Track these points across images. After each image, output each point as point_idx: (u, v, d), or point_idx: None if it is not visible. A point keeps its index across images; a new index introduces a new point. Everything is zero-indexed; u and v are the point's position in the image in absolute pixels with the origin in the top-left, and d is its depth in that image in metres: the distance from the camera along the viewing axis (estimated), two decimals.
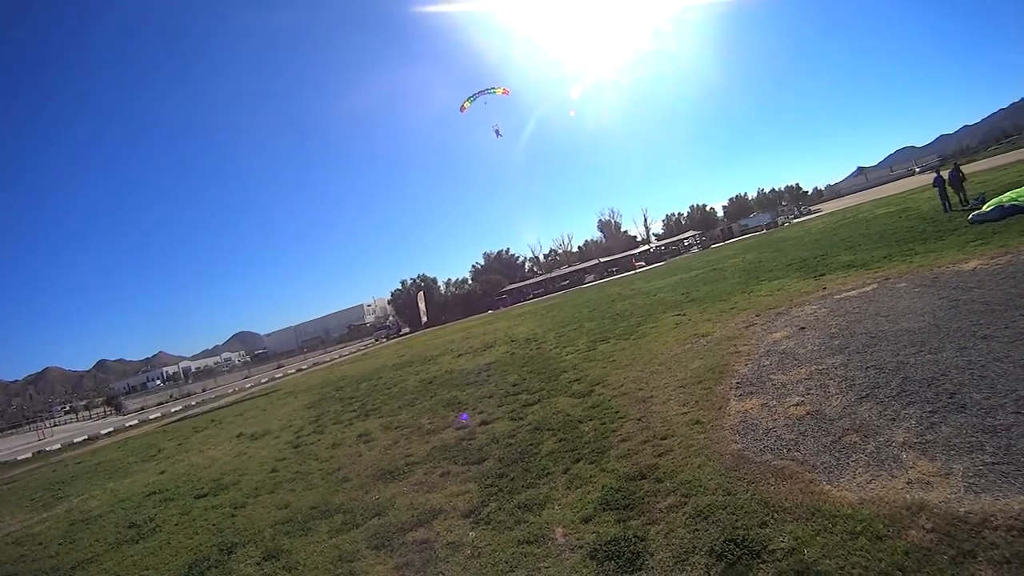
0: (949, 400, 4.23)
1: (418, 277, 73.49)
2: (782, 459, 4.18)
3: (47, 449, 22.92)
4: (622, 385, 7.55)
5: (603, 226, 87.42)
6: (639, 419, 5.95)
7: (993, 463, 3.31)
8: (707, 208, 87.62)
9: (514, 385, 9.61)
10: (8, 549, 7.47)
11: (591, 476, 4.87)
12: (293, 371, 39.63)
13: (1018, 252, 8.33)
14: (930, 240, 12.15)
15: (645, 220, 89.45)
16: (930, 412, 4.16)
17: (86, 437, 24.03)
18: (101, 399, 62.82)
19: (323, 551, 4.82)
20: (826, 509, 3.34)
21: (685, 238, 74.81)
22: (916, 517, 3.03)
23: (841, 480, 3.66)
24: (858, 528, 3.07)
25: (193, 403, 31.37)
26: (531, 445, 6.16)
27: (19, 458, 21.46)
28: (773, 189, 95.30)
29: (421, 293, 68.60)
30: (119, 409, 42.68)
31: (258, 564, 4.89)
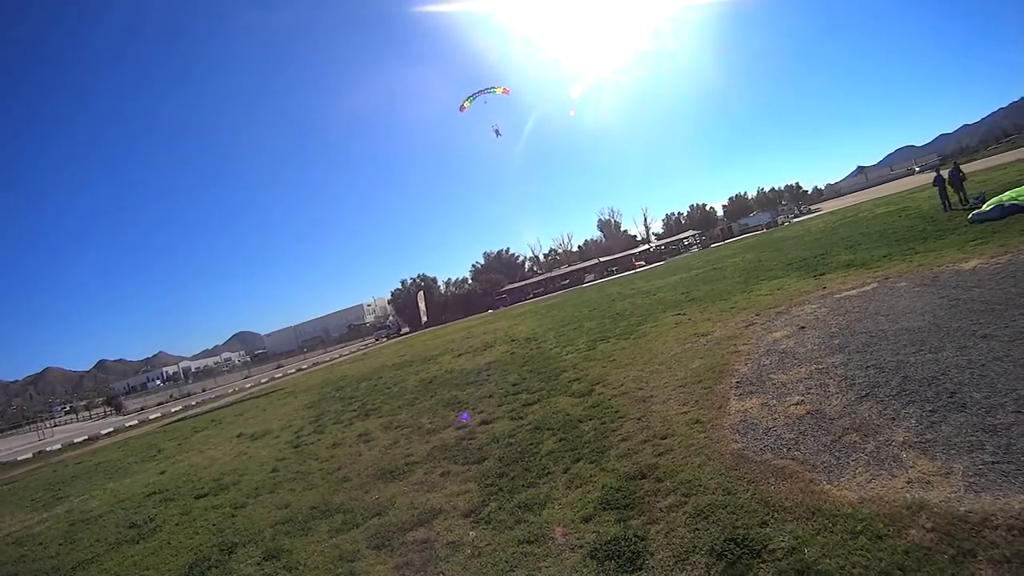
0: (949, 399, 4.23)
1: (418, 277, 73.57)
2: (782, 458, 4.18)
3: (47, 449, 22.93)
4: (622, 384, 7.55)
5: (603, 225, 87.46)
6: (639, 418, 5.96)
7: (993, 462, 3.31)
8: (707, 207, 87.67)
9: (514, 385, 9.61)
10: (9, 549, 7.47)
11: (591, 475, 4.87)
12: (293, 371, 39.64)
13: (1018, 251, 8.32)
14: (930, 239, 12.14)
15: (645, 219, 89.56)
16: (930, 411, 4.16)
17: (86, 437, 24.04)
18: (101, 399, 62.83)
19: (323, 551, 4.82)
20: (826, 508, 3.34)
21: (685, 237, 74.79)
22: (916, 516, 3.03)
23: (841, 479, 3.66)
24: (858, 527, 3.07)
25: (193, 403, 31.38)
26: (531, 444, 6.16)
27: (19, 458, 21.46)
28: (773, 188, 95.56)
29: (421, 293, 68.61)
30: (119, 409, 42.69)
31: (258, 564, 4.89)
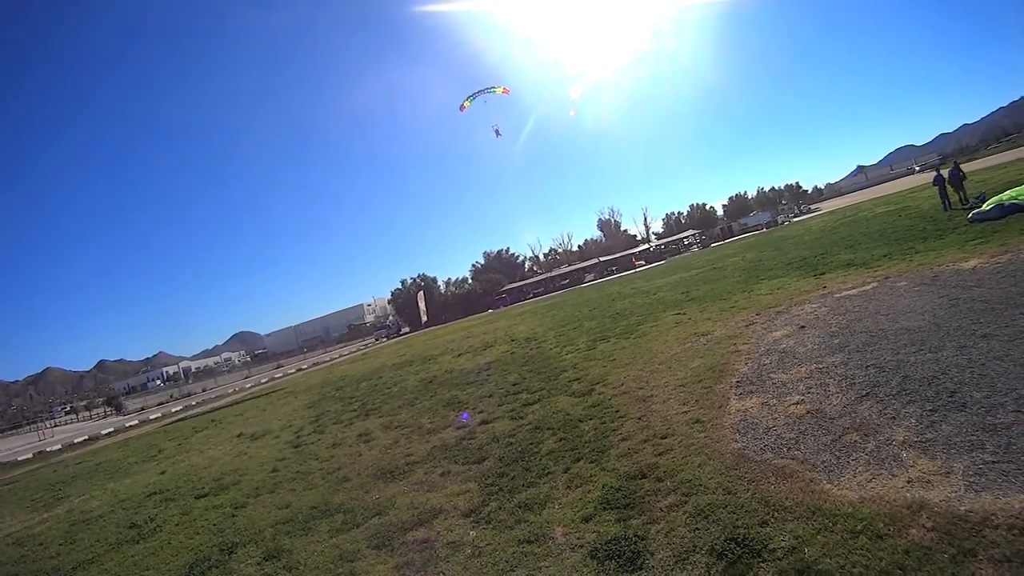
0: (949, 399, 4.23)
1: (418, 276, 73.56)
2: (782, 458, 4.18)
3: (47, 449, 22.94)
4: (622, 384, 7.55)
5: (603, 225, 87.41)
6: (639, 418, 5.96)
7: (993, 462, 3.31)
8: (707, 207, 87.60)
9: (514, 384, 9.61)
10: (9, 549, 7.48)
11: (591, 475, 4.87)
12: (293, 371, 39.65)
13: (1018, 251, 8.32)
14: (930, 239, 12.14)
15: (645, 219, 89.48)
16: (930, 411, 4.16)
17: (86, 437, 24.06)
18: (101, 399, 62.84)
19: (324, 551, 4.82)
20: (826, 508, 3.34)
21: (685, 237, 74.79)
22: (917, 516, 3.03)
23: (841, 479, 3.66)
24: (859, 527, 3.07)
25: (193, 403, 31.39)
26: (531, 444, 6.16)
27: (20, 459, 21.47)
28: (773, 188, 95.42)
29: (421, 293, 68.60)
30: (119, 409, 42.71)
31: (259, 564, 4.89)
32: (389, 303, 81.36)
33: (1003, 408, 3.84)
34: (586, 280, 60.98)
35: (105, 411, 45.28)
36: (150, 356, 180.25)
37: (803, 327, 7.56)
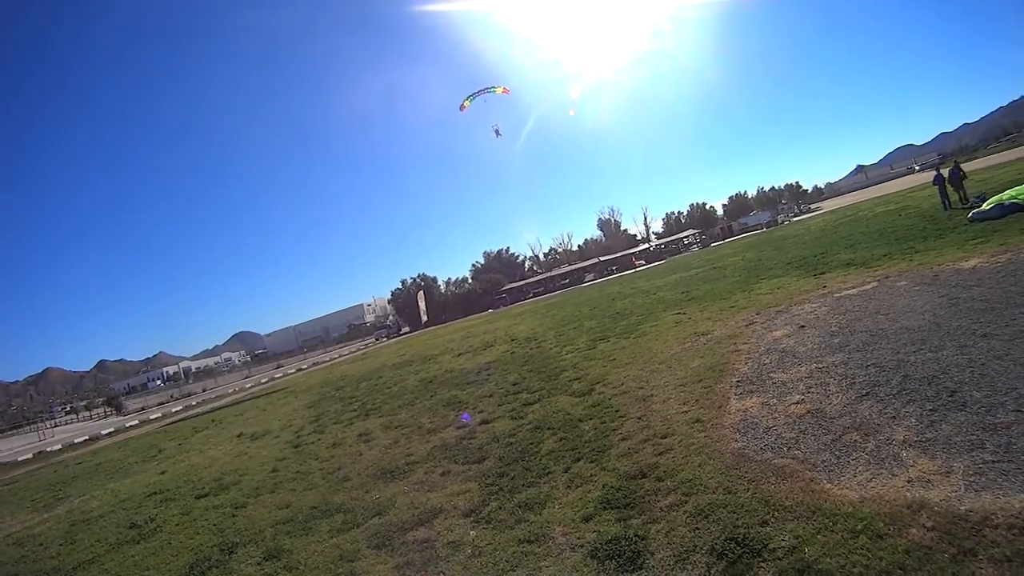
0: (949, 398, 4.23)
1: (418, 276, 73.61)
2: (782, 457, 4.18)
3: (48, 450, 22.96)
4: (622, 384, 7.55)
5: (603, 225, 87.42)
6: (639, 418, 5.96)
7: (993, 461, 3.30)
8: (707, 207, 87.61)
9: (514, 384, 9.61)
10: (9, 550, 7.48)
11: (591, 475, 4.87)
12: (293, 371, 39.66)
13: (1018, 250, 8.32)
14: (930, 238, 12.14)
15: (645, 219, 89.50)
16: (930, 410, 4.16)
17: (87, 437, 24.07)
18: (101, 399, 62.85)
19: (324, 551, 4.82)
20: (827, 507, 3.34)
21: (685, 237, 74.80)
22: (917, 515, 3.03)
23: (842, 478, 3.66)
24: (859, 527, 3.07)
25: (193, 403, 31.40)
26: (531, 444, 6.16)
27: (20, 459, 21.49)
28: (773, 187, 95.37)
29: (421, 292, 68.62)
30: (119, 409, 42.72)
31: (259, 564, 4.90)
32: (389, 303, 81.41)
33: (1003, 408, 3.84)
34: (586, 280, 60.98)
35: (105, 411, 45.30)
36: (150, 356, 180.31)
37: (803, 327, 7.56)
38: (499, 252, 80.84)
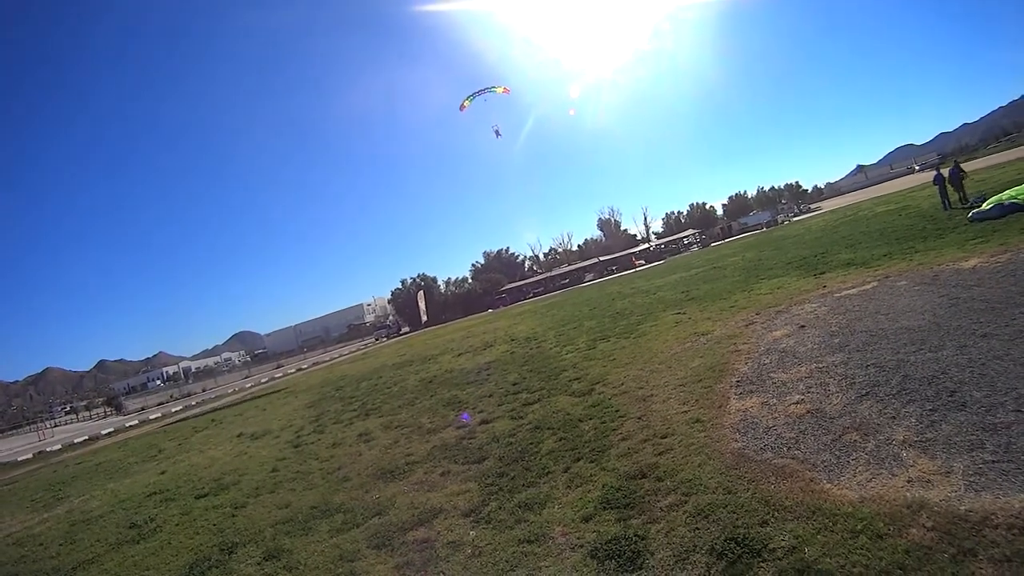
0: (949, 398, 4.23)
1: (418, 276, 73.60)
2: (782, 457, 4.18)
3: (48, 450, 22.95)
4: (622, 384, 7.55)
5: (603, 225, 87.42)
6: (639, 418, 5.95)
7: (993, 461, 3.30)
8: (707, 206, 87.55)
9: (514, 384, 9.61)
10: (9, 550, 7.48)
11: (591, 475, 4.87)
12: (293, 371, 39.66)
13: (1018, 250, 8.32)
14: (930, 238, 12.14)
15: (645, 218, 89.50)
16: (930, 410, 4.16)
17: (86, 437, 24.07)
18: (101, 399, 62.86)
19: (324, 551, 4.82)
20: (826, 507, 3.34)
21: (685, 236, 74.78)
22: (917, 515, 3.03)
23: (841, 478, 3.66)
24: (859, 527, 3.07)
25: (193, 403, 31.40)
26: (531, 444, 6.16)
27: (20, 459, 21.48)
28: (773, 187, 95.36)
29: (421, 292, 68.60)
30: (119, 409, 42.73)
31: (259, 564, 4.89)
32: (389, 303, 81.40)
33: (1003, 407, 3.84)
34: (586, 280, 60.98)
35: (105, 411, 45.30)
36: (150, 356, 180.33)
37: (803, 326, 7.56)
38: (499, 252, 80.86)
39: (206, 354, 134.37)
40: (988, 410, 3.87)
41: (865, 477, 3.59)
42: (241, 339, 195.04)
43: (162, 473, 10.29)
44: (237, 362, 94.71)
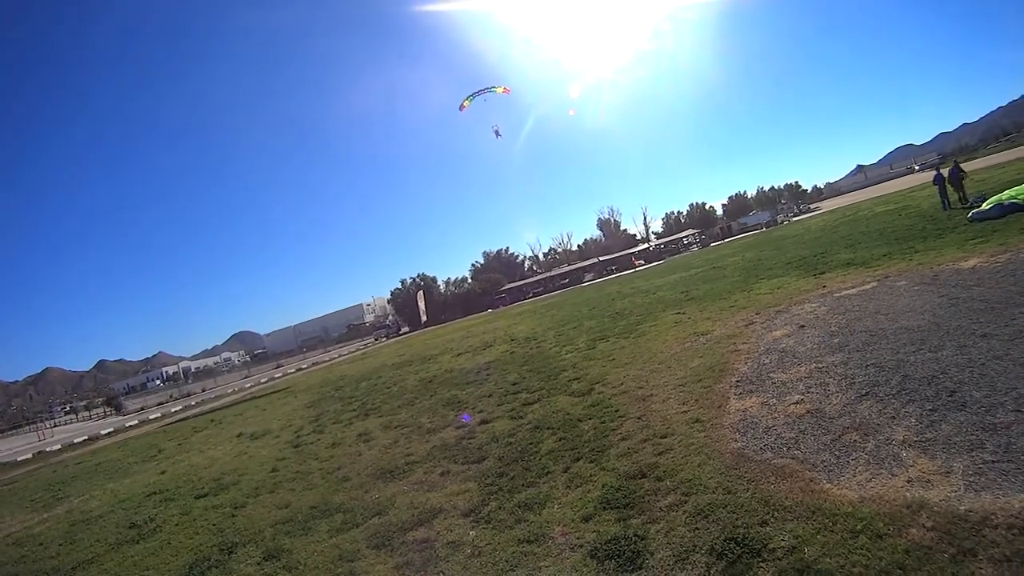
0: (949, 398, 4.23)
1: (418, 276, 73.57)
2: (782, 457, 4.18)
3: (47, 450, 22.93)
4: (622, 384, 7.55)
5: (602, 225, 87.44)
6: (639, 418, 5.95)
7: (993, 461, 3.31)
8: (706, 206, 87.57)
9: (514, 384, 9.60)
10: (9, 550, 7.47)
11: (591, 475, 4.87)
12: (293, 371, 39.64)
13: (1018, 250, 8.32)
14: (930, 238, 12.14)
15: (644, 218, 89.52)
16: (930, 410, 4.16)
17: (86, 437, 24.05)
18: (101, 399, 62.83)
19: (323, 551, 4.82)
20: (826, 507, 3.34)
21: (684, 236, 74.79)
22: (916, 515, 3.03)
23: (841, 478, 3.66)
24: (858, 526, 3.07)
25: (193, 403, 31.39)
26: (531, 444, 6.16)
27: (19, 459, 21.46)
28: (772, 187, 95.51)
29: (421, 292, 68.57)
30: (119, 409, 42.70)
31: (259, 564, 4.89)
32: (389, 303, 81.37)
33: (1003, 408, 3.84)
34: (585, 280, 60.98)
35: (105, 411, 45.28)
36: (150, 356, 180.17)
37: (803, 326, 7.56)
38: (499, 252, 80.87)
39: (206, 354, 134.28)
40: (988, 410, 3.87)
41: (865, 477, 3.59)
42: (241, 339, 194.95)
43: (162, 473, 10.28)
44: (237, 362, 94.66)
